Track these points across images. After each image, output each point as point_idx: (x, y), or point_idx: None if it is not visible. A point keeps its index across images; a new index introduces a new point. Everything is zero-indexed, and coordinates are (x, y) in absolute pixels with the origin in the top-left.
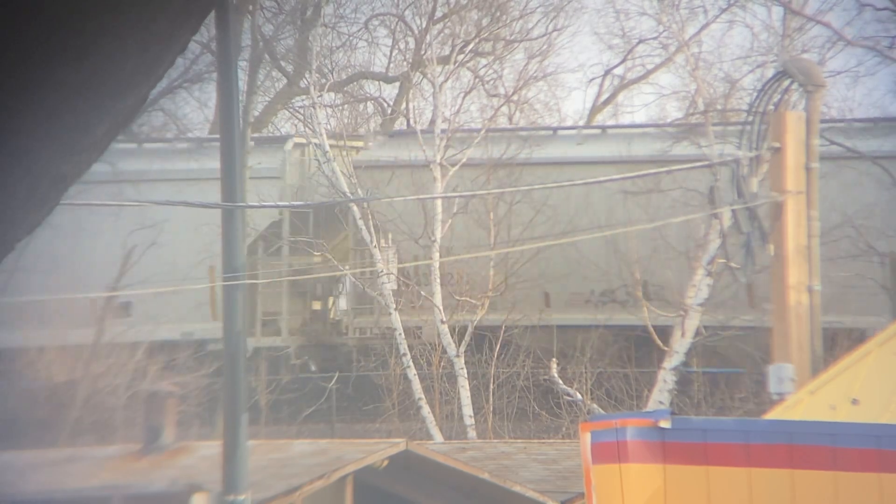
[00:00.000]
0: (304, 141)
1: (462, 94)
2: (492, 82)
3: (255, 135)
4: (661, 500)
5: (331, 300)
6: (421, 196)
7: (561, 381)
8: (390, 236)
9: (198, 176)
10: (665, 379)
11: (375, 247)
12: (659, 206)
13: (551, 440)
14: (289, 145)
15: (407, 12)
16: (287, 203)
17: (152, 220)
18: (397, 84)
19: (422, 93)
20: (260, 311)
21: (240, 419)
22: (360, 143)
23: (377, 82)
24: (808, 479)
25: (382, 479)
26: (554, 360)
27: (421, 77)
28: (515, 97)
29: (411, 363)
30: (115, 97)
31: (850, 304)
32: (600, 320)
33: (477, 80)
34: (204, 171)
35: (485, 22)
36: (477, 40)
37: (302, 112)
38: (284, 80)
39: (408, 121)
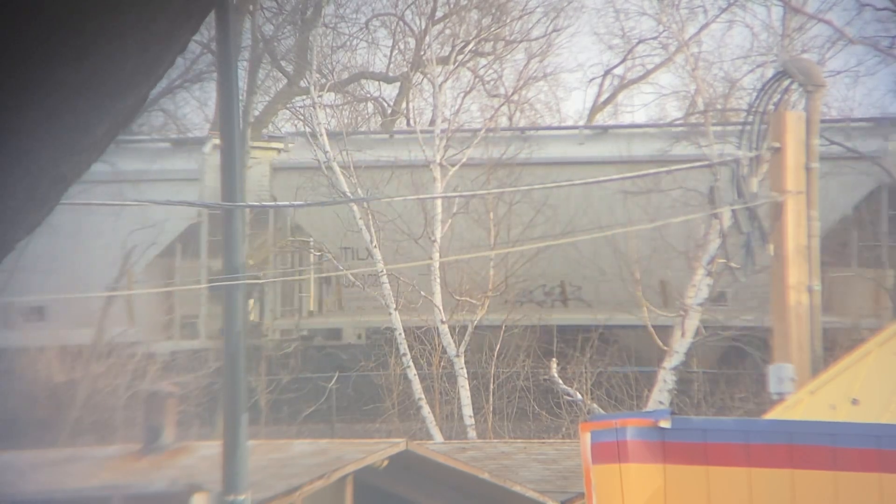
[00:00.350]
0: None
1: (462, 95)
2: (492, 82)
3: (173, 136)
4: (661, 500)
5: (251, 302)
6: (421, 196)
7: (561, 381)
8: (311, 241)
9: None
10: (665, 379)
11: (375, 247)
12: (659, 206)
13: (551, 440)
14: (207, 147)
15: (407, 12)
16: (288, 203)
17: (152, 219)
18: (397, 84)
19: (422, 93)
20: (178, 314)
21: (240, 419)
22: (280, 145)
23: (377, 82)
24: (808, 479)
25: (382, 479)
26: (554, 359)
27: (421, 77)
28: (515, 97)
29: (411, 363)
30: (115, 97)
31: (850, 304)
32: (600, 320)
33: (477, 80)
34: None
35: (485, 22)
36: (477, 40)
37: (302, 112)
38: (284, 80)
39: (408, 121)
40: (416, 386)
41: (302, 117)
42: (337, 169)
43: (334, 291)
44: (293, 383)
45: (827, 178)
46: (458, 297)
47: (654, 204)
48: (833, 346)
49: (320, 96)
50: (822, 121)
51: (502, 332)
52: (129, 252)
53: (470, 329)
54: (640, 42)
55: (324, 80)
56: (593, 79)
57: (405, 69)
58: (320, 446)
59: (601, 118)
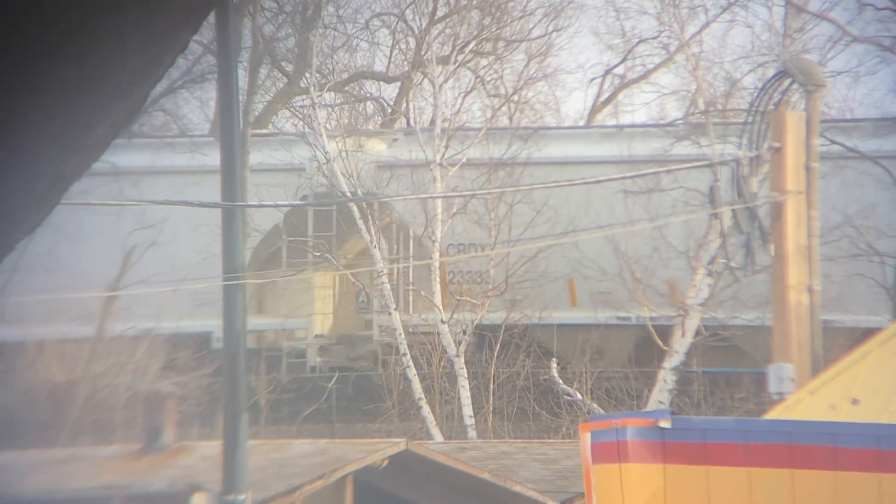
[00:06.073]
0: None
1: (462, 95)
2: (492, 82)
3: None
4: (661, 500)
5: None
6: (421, 196)
7: (561, 381)
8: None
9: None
10: (665, 379)
11: (375, 247)
12: (659, 206)
13: (551, 440)
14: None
15: (407, 12)
16: (286, 202)
17: (153, 218)
18: (397, 84)
19: (422, 93)
20: None
21: (240, 419)
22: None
23: (377, 82)
24: (808, 479)
25: (382, 479)
26: (554, 359)
27: (421, 77)
28: (515, 97)
29: (411, 363)
30: (115, 97)
31: (850, 304)
32: (601, 319)
33: (477, 80)
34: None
35: (485, 22)
36: (477, 40)
37: (302, 112)
38: (284, 80)
39: (408, 121)
40: (416, 386)
41: (302, 117)
42: (337, 169)
43: None
44: (293, 383)
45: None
46: (458, 297)
47: (654, 203)
48: None
49: (320, 96)
50: (823, 121)
51: (502, 332)
52: (129, 250)
53: (470, 329)
54: (640, 42)
55: (324, 80)
56: (593, 79)
57: (405, 69)
58: (320, 446)
59: (601, 118)
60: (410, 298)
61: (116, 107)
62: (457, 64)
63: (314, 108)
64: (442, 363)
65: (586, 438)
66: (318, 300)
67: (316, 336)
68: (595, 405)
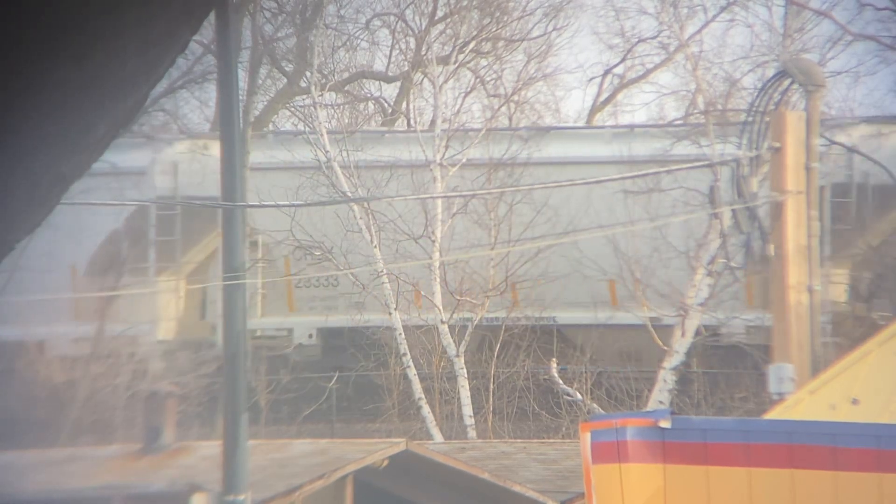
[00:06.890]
0: None
1: (462, 95)
2: (492, 82)
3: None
4: (661, 500)
5: None
6: (421, 196)
7: (561, 381)
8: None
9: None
10: (665, 379)
11: (375, 247)
12: (659, 206)
13: (551, 440)
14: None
15: (407, 12)
16: (287, 202)
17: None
18: (398, 84)
19: (422, 93)
20: None
21: (240, 419)
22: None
23: (377, 82)
24: (808, 479)
25: (382, 479)
26: (554, 359)
27: (422, 77)
28: (515, 97)
29: (411, 363)
30: (115, 97)
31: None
32: (601, 319)
33: (477, 80)
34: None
35: (485, 22)
36: (477, 40)
37: (302, 111)
38: (284, 80)
39: (408, 121)
40: (416, 386)
41: (302, 116)
42: (337, 168)
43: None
44: (293, 383)
45: None
46: (458, 297)
47: (654, 203)
48: None
49: (320, 96)
50: (823, 121)
51: (502, 332)
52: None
53: (470, 329)
54: (640, 41)
55: (324, 80)
56: (593, 78)
57: (405, 69)
58: (320, 446)
59: (601, 118)
60: (260, 302)
61: (116, 107)
62: (457, 64)
63: (315, 108)
64: (442, 363)
65: (586, 438)
66: (163, 306)
67: (159, 342)
68: (595, 405)
